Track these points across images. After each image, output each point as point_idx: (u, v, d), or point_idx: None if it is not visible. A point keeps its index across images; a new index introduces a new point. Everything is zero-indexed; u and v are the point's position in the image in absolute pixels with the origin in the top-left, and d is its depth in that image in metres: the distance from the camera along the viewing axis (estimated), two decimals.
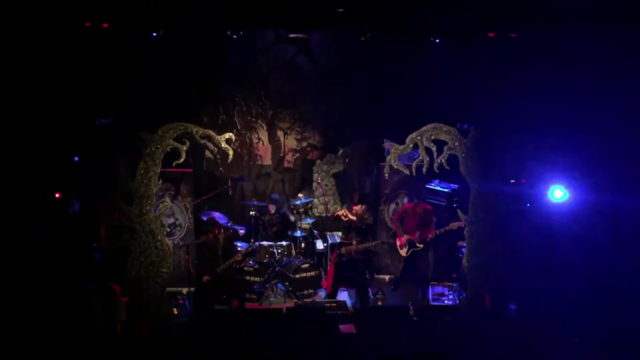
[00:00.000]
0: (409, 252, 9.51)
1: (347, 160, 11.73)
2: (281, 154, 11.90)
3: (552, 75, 9.55)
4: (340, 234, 10.14)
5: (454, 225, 9.09)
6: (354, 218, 9.10)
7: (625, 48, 8.58)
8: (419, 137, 8.10)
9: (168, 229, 9.81)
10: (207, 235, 8.84)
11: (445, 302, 9.50)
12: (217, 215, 9.93)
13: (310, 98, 11.74)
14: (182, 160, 8.00)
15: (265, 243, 10.09)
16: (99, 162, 9.70)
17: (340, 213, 9.26)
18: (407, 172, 8.26)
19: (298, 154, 11.95)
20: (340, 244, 9.27)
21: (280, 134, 11.83)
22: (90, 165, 9.62)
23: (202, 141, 8.01)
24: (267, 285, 9.75)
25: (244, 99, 11.56)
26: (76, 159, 9.64)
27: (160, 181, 7.98)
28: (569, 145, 9.24)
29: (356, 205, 9.14)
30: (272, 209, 10.58)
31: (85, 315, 7.81)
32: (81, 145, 9.72)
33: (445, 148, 8.10)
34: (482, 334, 7.79)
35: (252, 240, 9.77)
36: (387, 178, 9.05)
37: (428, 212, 9.53)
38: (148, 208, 7.86)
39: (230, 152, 8.11)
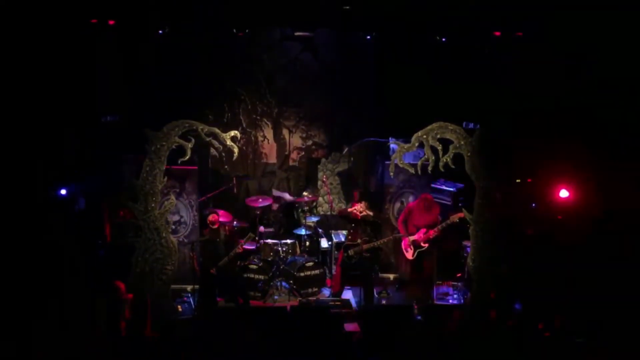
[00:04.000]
0: (415, 253, 9.45)
1: (352, 158, 11.72)
2: (286, 152, 11.89)
3: (558, 74, 9.53)
4: (345, 232, 10.12)
5: (455, 217, 8.97)
6: (370, 213, 9.10)
7: None
8: (424, 136, 8.07)
9: (173, 227, 9.79)
10: (207, 229, 8.84)
11: (450, 301, 9.48)
12: (221, 212, 9.91)
13: (315, 96, 11.72)
14: (187, 157, 8.00)
15: (270, 241, 10.09)
16: (104, 159, 9.71)
17: (350, 210, 9.25)
18: (412, 171, 8.24)
19: (303, 152, 11.94)
20: (347, 246, 9.25)
21: (285, 132, 11.83)
22: (95, 162, 9.63)
23: (208, 139, 8.02)
24: (271, 284, 9.75)
25: (249, 97, 11.56)
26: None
27: (166, 178, 7.99)
28: (574, 145, 9.22)
29: (357, 203, 9.16)
30: (276, 205, 10.56)
31: (90, 313, 7.82)
32: (87, 142, 9.73)
33: (450, 147, 8.07)
34: (486, 333, 7.76)
35: (250, 234, 9.57)
36: (392, 177, 9.05)
37: (432, 203, 9.38)
38: (153, 205, 7.87)
39: (236, 150, 8.12)
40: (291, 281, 9.74)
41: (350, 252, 9.16)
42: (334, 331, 7.73)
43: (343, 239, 9.94)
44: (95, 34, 9.80)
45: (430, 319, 8.13)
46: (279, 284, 9.93)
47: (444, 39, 10.80)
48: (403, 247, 9.58)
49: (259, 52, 11.45)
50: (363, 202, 9.18)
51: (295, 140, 11.90)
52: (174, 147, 7.91)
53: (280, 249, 9.96)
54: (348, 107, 11.76)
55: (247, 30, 10.67)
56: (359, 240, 9.13)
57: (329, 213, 11.32)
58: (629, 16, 8.50)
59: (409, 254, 9.51)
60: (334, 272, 9.98)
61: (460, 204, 9.85)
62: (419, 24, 10.27)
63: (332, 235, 10.57)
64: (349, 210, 9.31)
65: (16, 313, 7.83)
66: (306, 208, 10.83)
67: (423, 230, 9.28)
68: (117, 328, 7.75)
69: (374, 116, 11.52)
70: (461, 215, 8.55)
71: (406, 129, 8.54)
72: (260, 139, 11.75)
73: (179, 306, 8.98)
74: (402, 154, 8.23)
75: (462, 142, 8.04)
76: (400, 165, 8.24)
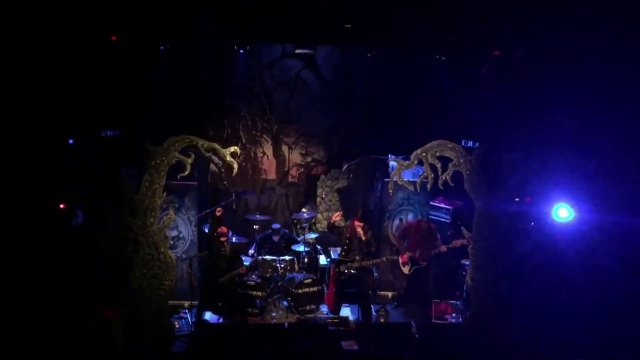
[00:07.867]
0: (412, 269, 9.46)
1: (351, 175, 11.73)
2: (285, 169, 11.90)
3: (558, 93, 9.56)
4: None
5: (457, 243, 9.08)
6: (367, 232, 9.07)
7: (630, 66, 8.59)
8: (423, 154, 8.09)
9: (171, 242, 9.78)
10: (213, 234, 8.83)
11: (449, 320, 9.44)
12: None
13: (315, 113, 11.77)
14: (186, 173, 8.00)
15: (268, 257, 10.05)
16: (104, 173, 9.71)
17: (335, 218, 9.23)
18: (411, 188, 8.25)
19: (302, 169, 11.96)
20: (339, 262, 9.21)
21: (285, 148, 11.86)
22: (95, 176, 9.62)
23: (207, 154, 8.03)
24: (269, 300, 9.70)
25: (249, 113, 11.60)
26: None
27: (165, 194, 7.98)
28: (574, 164, 9.22)
29: (359, 221, 9.12)
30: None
31: (86, 331, 7.79)
32: (86, 156, 9.73)
33: (450, 165, 8.09)
34: (486, 353, 7.73)
35: (254, 254, 9.74)
36: (391, 194, 9.04)
37: (431, 230, 9.50)
38: (152, 220, 7.85)
39: (235, 166, 8.12)
40: (289, 298, 9.69)
41: (342, 268, 9.12)
42: (332, 349, 7.71)
43: (337, 258, 9.85)
44: (96, 49, 9.84)
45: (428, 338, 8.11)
46: (277, 300, 9.89)
47: (443, 57, 10.87)
48: (401, 261, 9.59)
49: (259, 69, 11.52)
50: (363, 224, 9.12)
51: (294, 156, 11.92)
52: (173, 162, 7.91)
53: (278, 265, 9.93)
54: (348, 124, 11.79)
55: (248, 47, 10.73)
56: (357, 258, 9.08)
57: (327, 230, 11.31)
58: None
59: (406, 269, 9.51)
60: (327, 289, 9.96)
61: (458, 222, 9.85)
62: (418, 42, 10.32)
63: (331, 252, 10.55)
64: (334, 220, 9.25)
65: (12, 326, 7.80)
66: (305, 225, 10.81)
67: (422, 249, 9.32)
68: (112, 347, 7.71)
69: (374, 133, 11.54)
70: (463, 242, 8.57)
71: (406, 147, 8.56)
72: (259, 155, 11.77)
73: (177, 322, 8.92)
74: (401, 171, 8.25)
75: (462, 160, 8.06)
76: (400, 183, 8.25)
